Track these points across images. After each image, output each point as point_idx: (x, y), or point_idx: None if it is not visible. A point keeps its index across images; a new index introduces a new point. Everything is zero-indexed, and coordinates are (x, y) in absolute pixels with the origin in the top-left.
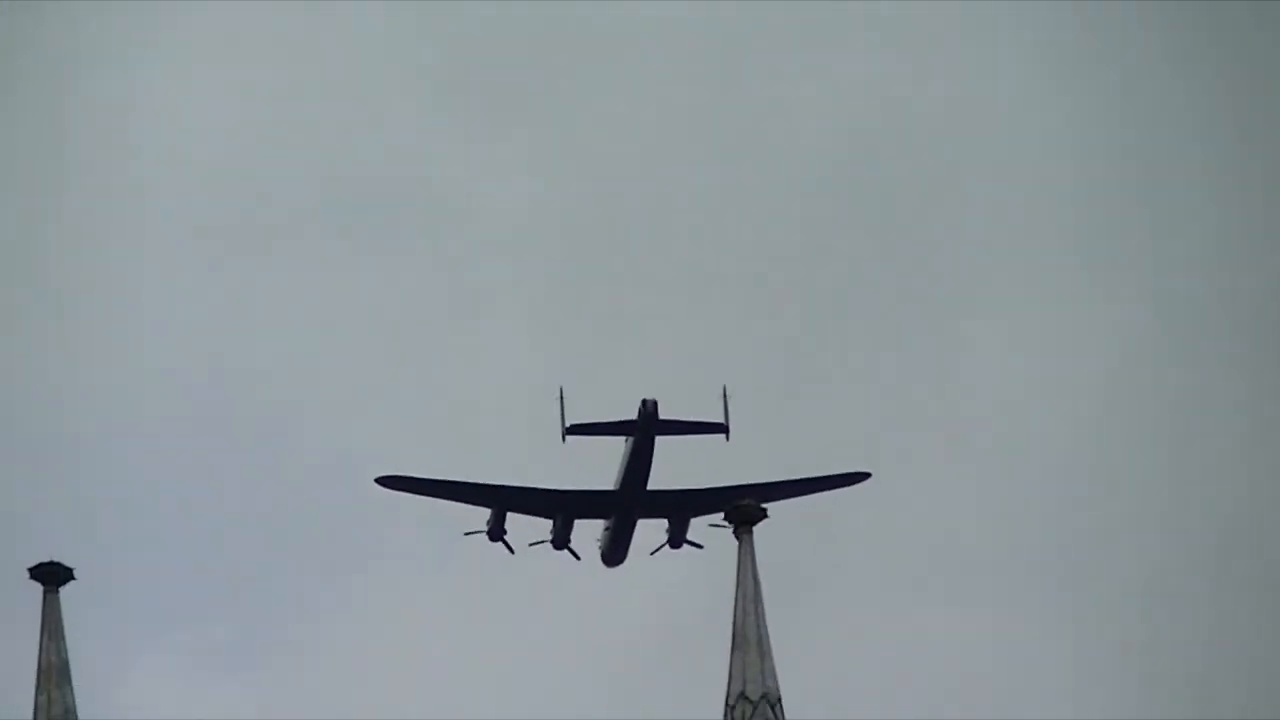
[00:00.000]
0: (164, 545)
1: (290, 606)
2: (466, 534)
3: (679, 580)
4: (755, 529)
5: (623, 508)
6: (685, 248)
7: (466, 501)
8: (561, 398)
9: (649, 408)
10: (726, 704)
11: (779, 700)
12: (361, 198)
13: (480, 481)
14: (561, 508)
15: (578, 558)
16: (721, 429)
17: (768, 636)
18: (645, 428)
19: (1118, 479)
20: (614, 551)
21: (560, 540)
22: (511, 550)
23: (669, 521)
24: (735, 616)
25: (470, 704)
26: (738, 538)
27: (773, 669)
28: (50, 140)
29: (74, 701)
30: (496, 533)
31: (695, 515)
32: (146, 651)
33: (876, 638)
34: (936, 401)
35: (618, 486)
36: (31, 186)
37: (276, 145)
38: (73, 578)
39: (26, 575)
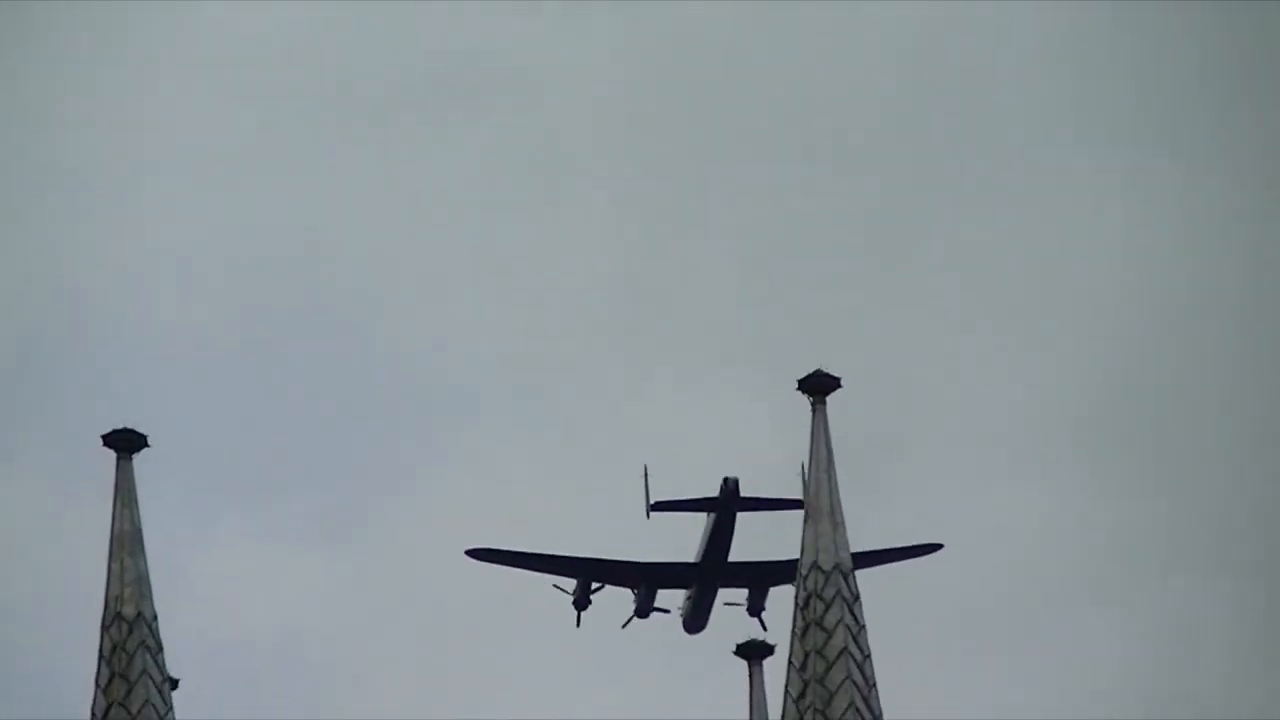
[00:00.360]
0: (242, 416)
1: (368, 483)
2: (554, 586)
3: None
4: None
5: (704, 579)
6: (760, 123)
7: (554, 572)
8: (646, 475)
9: (730, 485)
10: (799, 574)
11: (851, 570)
12: (446, 74)
13: (568, 554)
14: (645, 579)
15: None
16: (800, 505)
17: (840, 507)
18: (727, 504)
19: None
20: (695, 619)
21: (644, 609)
22: (579, 625)
23: (749, 591)
24: (808, 487)
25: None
26: (812, 408)
27: (845, 540)
28: (134, 18)
29: (146, 569)
30: (582, 602)
31: (774, 585)
32: (222, 522)
33: (951, 512)
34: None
35: (699, 559)
36: (113, 62)
37: (359, 21)
38: (146, 445)
39: (100, 442)
